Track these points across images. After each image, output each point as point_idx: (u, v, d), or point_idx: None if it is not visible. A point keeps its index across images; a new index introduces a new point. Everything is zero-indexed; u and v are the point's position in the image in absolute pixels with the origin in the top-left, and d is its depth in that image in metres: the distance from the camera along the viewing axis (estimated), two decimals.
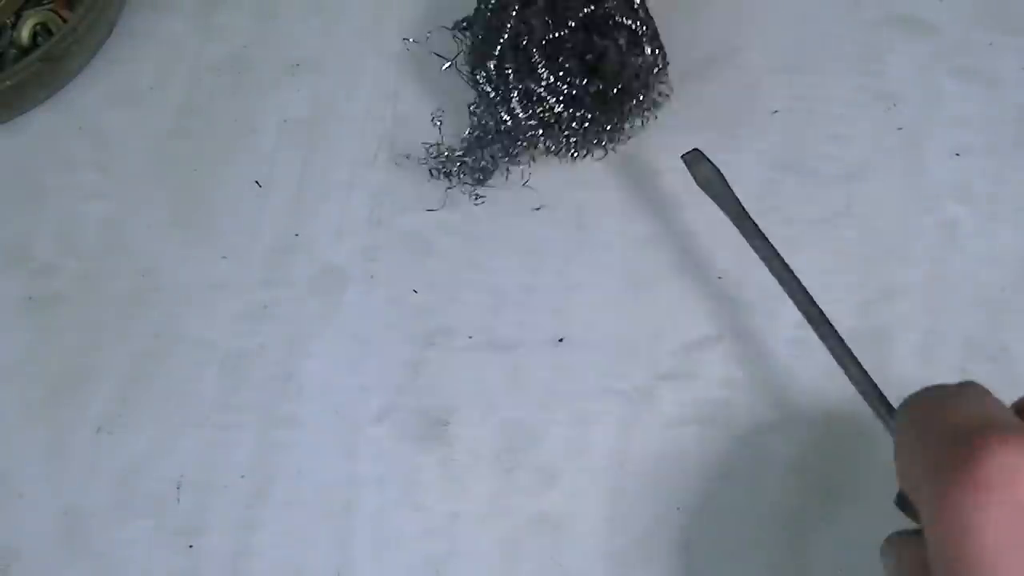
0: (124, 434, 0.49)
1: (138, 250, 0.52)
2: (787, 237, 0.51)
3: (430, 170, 0.49)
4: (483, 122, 0.42)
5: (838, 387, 0.49)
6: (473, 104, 0.45)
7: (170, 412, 0.49)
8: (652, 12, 0.52)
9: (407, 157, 0.53)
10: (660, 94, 0.46)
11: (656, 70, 0.40)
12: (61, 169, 0.53)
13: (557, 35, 0.34)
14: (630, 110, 0.41)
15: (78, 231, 0.52)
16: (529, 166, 0.51)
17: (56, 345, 0.51)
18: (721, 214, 0.52)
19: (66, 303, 0.51)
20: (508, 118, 0.38)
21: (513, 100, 0.38)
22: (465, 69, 0.47)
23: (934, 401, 0.31)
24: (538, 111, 0.37)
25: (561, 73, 0.35)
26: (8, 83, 0.50)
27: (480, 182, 0.46)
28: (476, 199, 0.49)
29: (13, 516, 0.48)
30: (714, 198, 0.39)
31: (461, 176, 0.46)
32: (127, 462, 0.48)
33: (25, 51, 0.52)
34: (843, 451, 0.48)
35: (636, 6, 0.39)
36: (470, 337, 0.49)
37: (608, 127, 0.41)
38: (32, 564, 0.47)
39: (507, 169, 0.51)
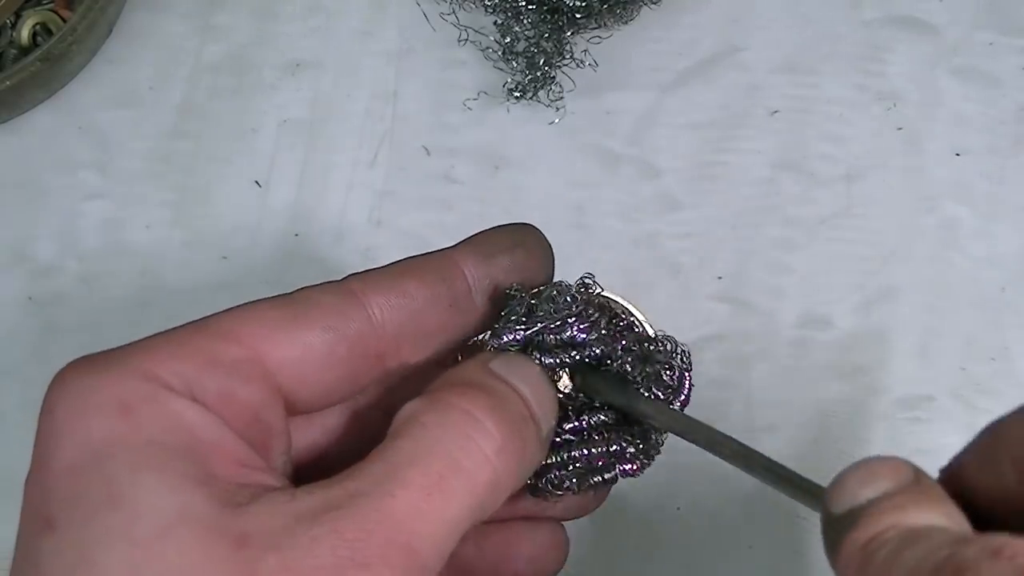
0: None
1: (138, 250, 0.52)
2: (787, 237, 0.51)
3: None
4: None
5: (836, 388, 0.49)
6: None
7: None
8: (658, 11, 0.52)
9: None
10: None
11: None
12: (61, 169, 0.53)
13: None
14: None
15: (78, 231, 0.52)
16: None
17: (56, 345, 0.51)
18: (721, 213, 0.52)
19: (66, 303, 0.51)
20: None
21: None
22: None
23: None
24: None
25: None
26: (8, 83, 0.50)
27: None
28: None
29: (14, 516, 0.48)
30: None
31: None
32: None
33: (25, 51, 0.52)
34: (840, 451, 0.48)
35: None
36: None
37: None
38: None
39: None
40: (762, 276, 0.50)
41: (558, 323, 0.31)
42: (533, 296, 0.31)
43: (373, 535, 0.23)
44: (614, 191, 0.52)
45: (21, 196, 0.53)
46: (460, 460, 0.25)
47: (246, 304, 0.27)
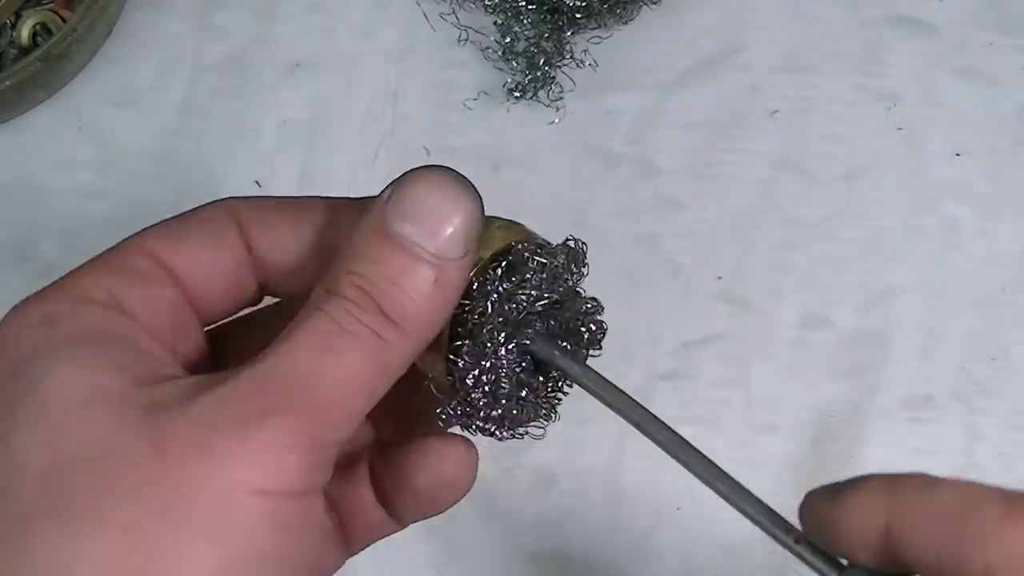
0: None
1: None
2: (787, 237, 0.51)
3: None
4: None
5: (836, 388, 0.49)
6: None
7: None
8: (658, 11, 0.52)
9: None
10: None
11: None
12: (61, 169, 0.53)
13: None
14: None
15: (79, 231, 0.52)
16: None
17: None
18: (721, 213, 0.52)
19: None
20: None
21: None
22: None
23: None
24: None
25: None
26: (8, 83, 0.50)
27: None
28: None
29: None
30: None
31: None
32: None
33: (25, 51, 0.52)
34: (841, 451, 0.48)
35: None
36: None
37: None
38: None
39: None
40: (762, 276, 0.50)
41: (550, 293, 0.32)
42: (534, 262, 0.32)
43: (274, 387, 0.25)
44: (614, 191, 0.52)
45: (21, 196, 0.53)
46: (343, 324, 0.26)
47: (150, 226, 0.31)
